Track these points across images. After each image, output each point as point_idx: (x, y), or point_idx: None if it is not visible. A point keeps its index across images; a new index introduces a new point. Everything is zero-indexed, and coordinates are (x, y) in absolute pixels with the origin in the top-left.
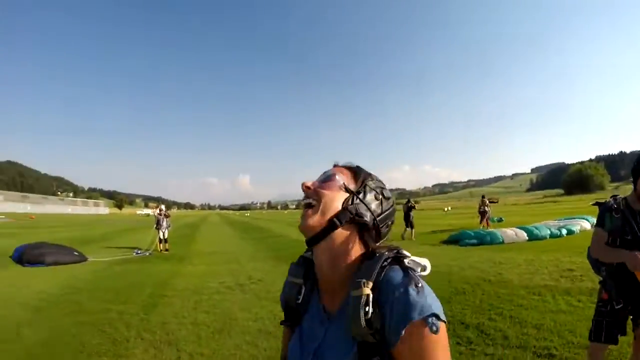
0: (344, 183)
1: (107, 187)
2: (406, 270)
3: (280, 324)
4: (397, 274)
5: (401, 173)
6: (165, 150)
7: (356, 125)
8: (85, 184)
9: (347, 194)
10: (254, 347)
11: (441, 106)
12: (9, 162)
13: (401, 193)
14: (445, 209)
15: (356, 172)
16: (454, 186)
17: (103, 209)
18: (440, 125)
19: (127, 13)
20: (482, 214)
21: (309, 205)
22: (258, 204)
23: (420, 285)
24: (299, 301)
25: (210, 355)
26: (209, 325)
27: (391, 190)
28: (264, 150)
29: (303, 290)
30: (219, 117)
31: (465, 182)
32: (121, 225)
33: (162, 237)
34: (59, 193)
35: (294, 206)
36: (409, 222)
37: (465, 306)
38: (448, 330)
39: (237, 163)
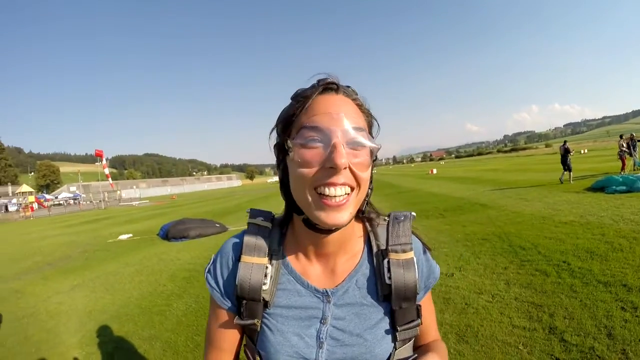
0: (371, 149)
1: (237, 161)
2: (415, 234)
3: (237, 322)
4: (414, 238)
5: (528, 114)
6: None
7: (476, 65)
8: (217, 162)
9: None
10: None
11: (567, 33)
12: (146, 155)
13: (529, 136)
14: (582, 152)
15: (365, 112)
16: (587, 125)
17: (236, 181)
18: (567, 54)
19: None
20: (622, 157)
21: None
22: (383, 160)
23: (430, 249)
24: (265, 287)
25: None
26: None
27: (519, 133)
28: (385, 102)
29: (270, 273)
30: (335, 70)
31: (599, 119)
32: (254, 194)
33: None
34: (194, 173)
35: (419, 159)
36: (566, 165)
37: (625, 265)
38: (609, 292)
39: None
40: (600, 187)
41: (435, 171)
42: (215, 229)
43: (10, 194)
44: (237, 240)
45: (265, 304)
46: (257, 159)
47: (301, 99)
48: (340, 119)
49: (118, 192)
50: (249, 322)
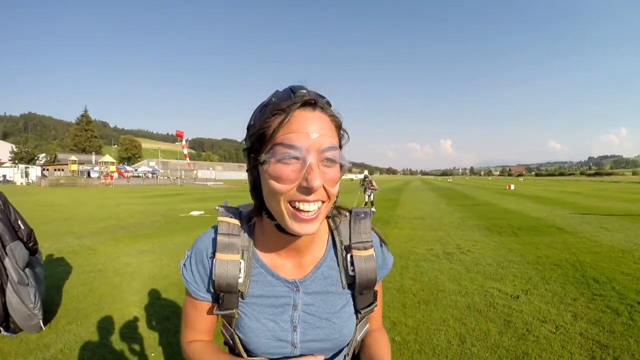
0: (341, 164)
1: None
2: (374, 230)
3: (216, 313)
4: (372, 233)
5: (617, 137)
6: (367, 118)
7: (564, 78)
8: None
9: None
10: (462, 324)
11: None
12: (225, 140)
13: (616, 161)
14: None
15: (337, 125)
16: None
17: None
18: None
19: None
20: None
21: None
22: (460, 170)
23: (386, 243)
24: (240, 281)
25: (414, 327)
26: (415, 293)
27: (605, 157)
28: (468, 112)
29: (243, 267)
30: (419, 80)
31: None
32: None
33: (366, 199)
34: None
35: (497, 172)
36: None
37: None
38: None
39: (439, 127)
40: None
41: (512, 187)
42: None
43: (94, 162)
44: (210, 237)
45: (241, 295)
46: None
47: (277, 112)
48: (317, 140)
49: (195, 171)
50: (228, 312)
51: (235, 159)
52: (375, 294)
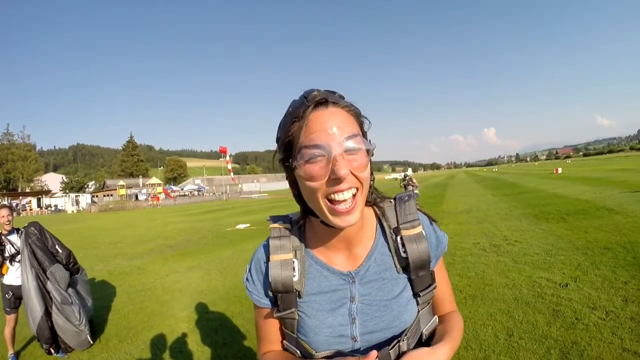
0: (367, 149)
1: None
2: (420, 210)
3: (276, 317)
4: (419, 213)
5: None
6: (406, 114)
7: (608, 44)
8: None
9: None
10: (509, 317)
11: None
12: (267, 151)
13: (609, 143)
14: None
15: (354, 114)
16: None
17: None
18: None
19: None
20: None
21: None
22: (505, 158)
23: (436, 221)
24: (295, 279)
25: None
26: (462, 289)
27: (597, 140)
28: (508, 96)
29: (297, 266)
30: (457, 73)
31: None
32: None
33: None
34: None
35: (544, 157)
36: None
37: None
38: None
39: (481, 116)
40: None
41: (560, 170)
42: None
43: (141, 185)
44: (264, 245)
45: (298, 294)
46: (376, 155)
47: (295, 119)
48: (334, 134)
49: (239, 185)
50: (287, 312)
51: (279, 170)
52: (432, 274)
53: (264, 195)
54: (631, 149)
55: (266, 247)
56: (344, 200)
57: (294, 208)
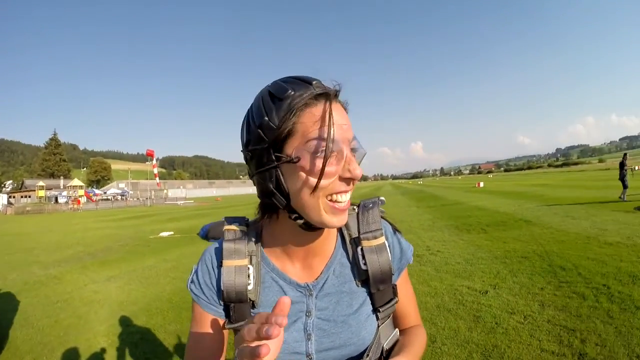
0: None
1: None
2: (384, 218)
3: (228, 327)
4: (383, 222)
5: (584, 126)
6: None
7: (530, 72)
8: None
9: None
10: (432, 324)
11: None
12: (196, 156)
13: (583, 150)
14: (633, 168)
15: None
16: None
17: None
18: (631, 61)
19: None
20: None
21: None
22: (430, 171)
23: (400, 231)
24: (250, 288)
25: None
26: None
27: (572, 147)
28: (437, 113)
29: (252, 273)
30: (388, 81)
31: None
32: None
33: None
34: (241, 177)
35: (467, 171)
36: (622, 181)
37: None
38: None
39: (409, 130)
40: None
41: (482, 184)
42: None
43: (62, 187)
44: (216, 246)
45: (252, 305)
46: None
47: (303, 106)
48: (348, 130)
49: (165, 191)
50: (240, 324)
51: (206, 176)
52: (394, 288)
53: (189, 203)
54: (549, 165)
55: (218, 250)
56: (344, 201)
57: (217, 217)
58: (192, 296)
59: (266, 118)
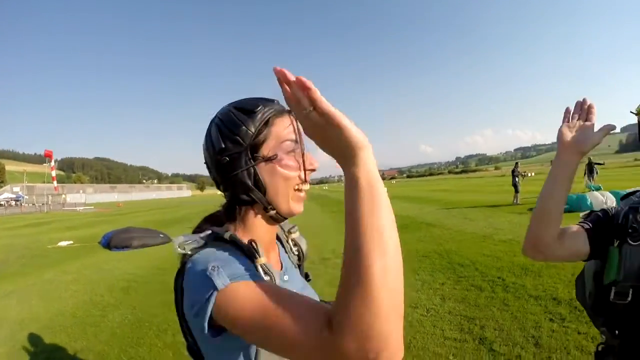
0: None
1: (189, 171)
2: None
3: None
4: None
5: (482, 137)
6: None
7: (435, 84)
8: (168, 170)
9: None
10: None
11: (525, 62)
12: (97, 159)
13: (481, 159)
14: (529, 174)
15: None
16: (537, 149)
17: (186, 191)
18: (523, 84)
19: None
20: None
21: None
22: (335, 177)
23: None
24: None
25: None
26: None
27: (471, 156)
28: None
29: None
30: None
31: (549, 144)
32: (203, 206)
33: None
34: (144, 181)
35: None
36: (515, 187)
37: (557, 280)
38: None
39: None
40: None
41: (385, 190)
42: (160, 240)
43: None
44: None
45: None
46: (200, 169)
47: (272, 115)
48: (302, 134)
49: (63, 196)
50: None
51: (107, 180)
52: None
53: (89, 209)
54: (449, 172)
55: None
56: (306, 190)
57: (119, 224)
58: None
59: (243, 127)
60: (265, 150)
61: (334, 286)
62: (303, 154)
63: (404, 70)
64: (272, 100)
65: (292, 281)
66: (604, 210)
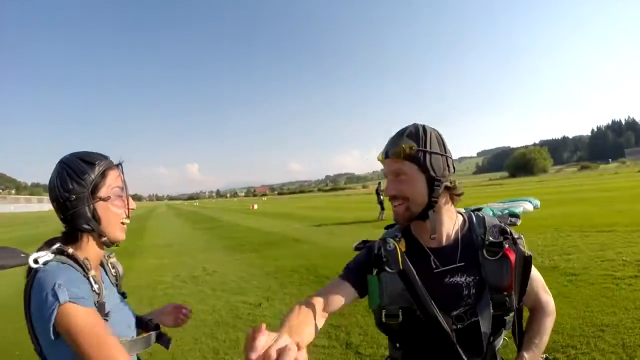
0: None
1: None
2: None
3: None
4: None
5: (351, 157)
6: (108, 139)
7: (303, 105)
8: (28, 179)
9: None
10: (213, 339)
11: (383, 88)
12: None
13: (349, 177)
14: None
15: None
16: None
17: (47, 204)
18: (386, 109)
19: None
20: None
21: None
22: (207, 193)
23: None
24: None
25: (169, 352)
26: None
27: (340, 174)
28: (213, 137)
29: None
30: (165, 102)
31: None
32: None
33: None
34: (0, 191)
35: (243, 194)
36: (381, 204)
37: None
38: None
39: (185, 151)
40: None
41: (256, 207)
42: (20, 260)
43: None
44: (68, 265)
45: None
46: None
47: (108, 168)
48: (126, 182)
49: None
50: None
51: None
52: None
53: None
54: (319, 190)
55: (73, 267)
56: (127, 223)
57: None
58: (79, 301)
59: (87, 174)
60: (101, 193)
61: (205, 304)
62: (127, 198)
63: (274, 88)
64: (106, 157)
65: (110, 295)
66: (368, 246)
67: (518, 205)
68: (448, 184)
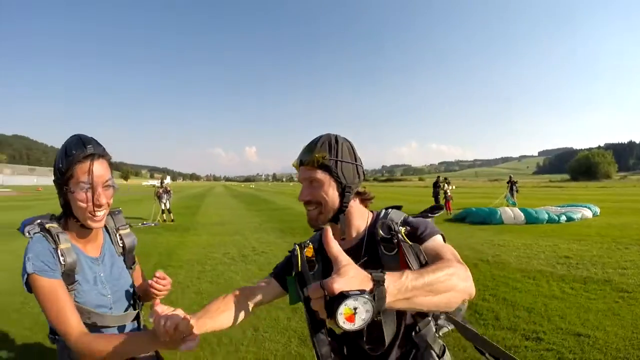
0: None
1: (113, 158)
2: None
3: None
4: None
5: (408, 149)
6: (171, 121)
7: (362, 100)
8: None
9: None
10: (255, 316)
11: (452, 84)
12: (15, 136)
13: (406, 169)
14: (445, 189)
15: (109, 160)
16: (460, 164)
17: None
18: (450, 103)
19: None
20: (445, 198)
21: None
22: (263, 176)
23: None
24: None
25: None
26: (212, 294)
27: (397, 165)
28: (272, 121)
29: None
30: (226, 86)
31: (471, 161)
32: (127, 196)
33: (164, 207)
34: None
35: (297, 179)
36: (436, 198)
37: None
38: None
39: (244, 134)
40: (461, 218)
41: None
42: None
43: None
44: (44, 236)
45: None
46: (134, 158)
47: (74, 163)
48: (103, 176)
49: None
50: (71, 285)
51: (26, 161)
52: (133, 255)
53: (6, 191)
54: (374, 180)
55: (47, 238)
56: (100, 217)
57: (39, 210)
58: (42, 273)
59: (60, 165)
60: (70, 185)
61: (251, 282)
62: (93, 193)
63: (332, 76)
64: (84, 146)
65: (106, 264)
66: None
67: (577, 210)
68: (359, 189)
